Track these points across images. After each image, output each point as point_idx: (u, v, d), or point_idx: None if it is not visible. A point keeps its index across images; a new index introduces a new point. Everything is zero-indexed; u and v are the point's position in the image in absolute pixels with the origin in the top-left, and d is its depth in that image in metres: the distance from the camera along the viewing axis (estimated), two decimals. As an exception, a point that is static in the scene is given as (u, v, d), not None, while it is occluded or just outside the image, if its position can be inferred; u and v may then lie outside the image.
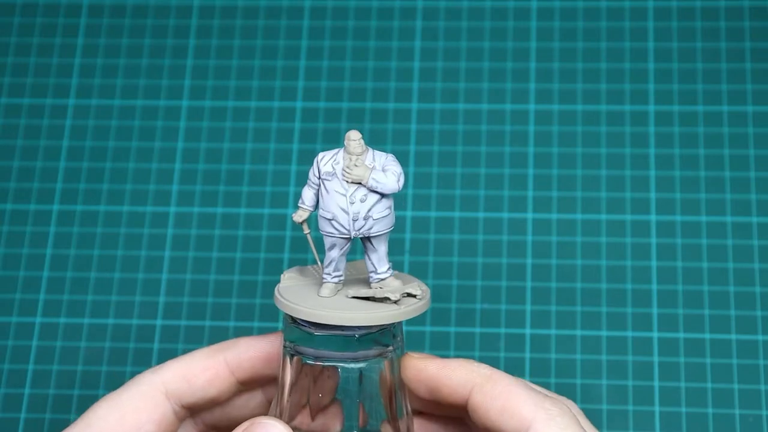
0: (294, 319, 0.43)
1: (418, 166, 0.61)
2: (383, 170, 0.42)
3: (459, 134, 0.61)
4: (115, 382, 0.57)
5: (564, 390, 0.56)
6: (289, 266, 0.59)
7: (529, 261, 0.59)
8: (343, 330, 0.42)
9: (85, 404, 0.57)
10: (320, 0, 0.65)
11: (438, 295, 0.58)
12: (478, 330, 0.57)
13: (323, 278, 0.44)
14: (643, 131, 0.61)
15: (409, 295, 0.43)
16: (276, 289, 0.44)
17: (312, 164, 0.43)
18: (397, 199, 0.60)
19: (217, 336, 0.58)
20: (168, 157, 0.62)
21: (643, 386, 0.56)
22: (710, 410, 0.55)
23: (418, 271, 0.59)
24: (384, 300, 0.43)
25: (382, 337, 0.43)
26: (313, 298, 0.43)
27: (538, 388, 0.44)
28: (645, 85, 0.61)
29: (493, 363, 0.56)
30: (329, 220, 0.42)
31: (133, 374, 0.57)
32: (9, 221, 0.61)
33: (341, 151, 0.43)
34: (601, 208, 0.59)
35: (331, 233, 0.43)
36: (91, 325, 0.59)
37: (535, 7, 0.64)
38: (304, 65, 0.63)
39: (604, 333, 0.57)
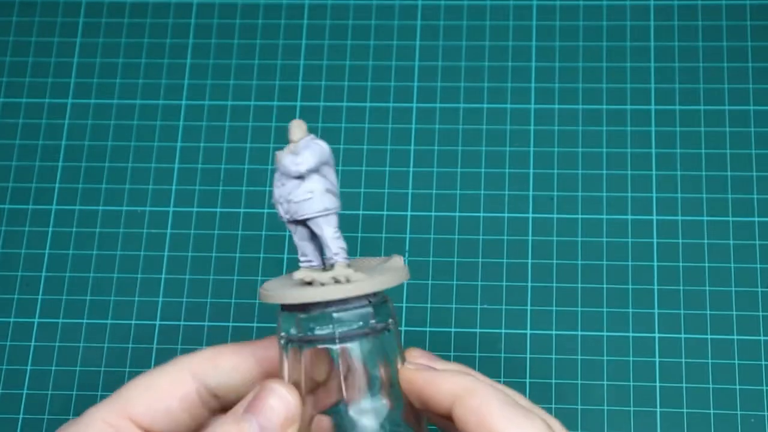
0: (282, 308, 0.44)
1: (418, 166, 0.61)
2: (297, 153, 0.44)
3: (459, 134, 0.61)
4: (114, 382, 0.57)
5: (565, 390, 0.56)
6: (289, 266, 0.59)
7: (529, 261, 0.59)
8: (324, 308, 0.43)
9: (84, 404, 0.57)
10: (320, -1, 0.65)
11: (438, 295, 0.58)
12: (478, 330, 0.57)
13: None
14: (644, 131, 0.61)
15: (334, 280, 0.44)
16: (262, 290, 0.45)
17: None
18: (398, 199, 0.60)
19: (217, 336, 0.58)
20: (167, 157, 0.62)
21: (644, 387, 0.56)
22: (712, 411, 0.55)
23: (418, 271, 0.58)
24: (311, 283, 0.44)
25: (361, 317, 0.44)
26: (290, 287, 0.44)
27: (523, 401, 0.45)
28: (646, 84, 0.61)
29: (493, 363, 0.56)
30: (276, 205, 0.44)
31: (132, 375, 0.57)
32: (7, 221, 0.61)
33: None
34: (603, 207, 0.59)
35: (281, 217, 0.44)
36: (90, 325, 0.58)
37: (535, 6, 0.64)
38: (304, 65, 0.63)
39: (605, 333, 0.57)
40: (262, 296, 0.44)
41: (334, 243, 0.44)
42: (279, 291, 0.43)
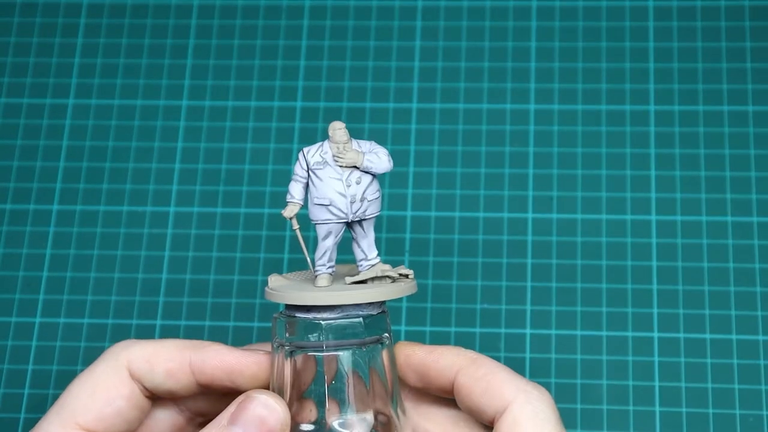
0: (293, 316, 0.43)
1: (418, 166, 0.61)
2: (372, 152, 0.44)
3: (459, 134, 0.61)
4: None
5: (564, 390, 0.56)
6: (289, 266, 0.59)
7: (529, 261, 0.59)
8: (348, 316, 0.43)
9: (84, 404, 0.57)
10: (320, 0, 0.65)
11: (438, 295, 0.58)
12: (478, 330, 0.57)
13: (316, 270, 0.45)
14: (643, 131, 0.61)
15: (401, 275, 0.45)
16: (266, 289, 0.45)
17: (296, 160, 0.44)
18: (398, 199, 0.60)
19: (217, 336, 0.58)
20: (167, 157, 0.62)
21: (643, 386, 0.56)
22: (711, 410, 0.55)
23: (418, 272, 0.59)
24: (384, 279, 0.44)
25: (379, 322, 0.44)
26: (311, 289, 0.44)
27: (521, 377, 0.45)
28: (645, 84, 0.61)
29: (494, 363, 0.56)
30: (326, 206, 0.43)
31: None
32: (8, 221, 0.61)
33: (325, 143, 0.44)
34: (602, 208, 0.59)
35: (328, 220, 0.44)
36: (91, 325, 0.58)
37: (535, 7, 0.64)
38: (304, 65, 0.63)
39: (604, 333, 0.57)
40: (304, 299, 0.43)
41: (374, 244, 0.45)
42: (364, 291, 0.43)
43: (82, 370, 0.45)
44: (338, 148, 0.44)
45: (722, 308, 0.57)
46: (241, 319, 0.58)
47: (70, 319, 0.59)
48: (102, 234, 0.60)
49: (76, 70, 0.64)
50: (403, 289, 0.44)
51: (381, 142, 0.61)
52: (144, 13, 0.65)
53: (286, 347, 0.43)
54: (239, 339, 0.58)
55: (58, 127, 0.63)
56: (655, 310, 0.57)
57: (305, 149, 0.44)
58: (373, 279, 0.44)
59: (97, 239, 0.60)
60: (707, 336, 0.57)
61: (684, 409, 0.55)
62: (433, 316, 0.58)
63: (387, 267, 0.45)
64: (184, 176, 0.61)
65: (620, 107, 0.61)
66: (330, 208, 0.43)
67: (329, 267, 0.45)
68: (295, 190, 0.45)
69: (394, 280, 0.45)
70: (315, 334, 0.43)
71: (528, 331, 0.57)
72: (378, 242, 0.59)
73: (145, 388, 0.45)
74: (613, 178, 0.60)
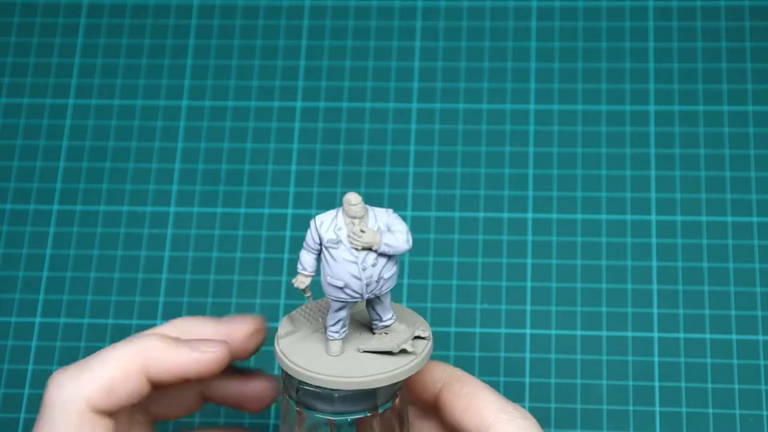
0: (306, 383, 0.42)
1: (418, 166, 0.61)
2: (389, 230, 0.41)
3: (459, 134, 0.61)
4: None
5: (564, 390, 0.56)
6: (289, 266, 0.59)
7: (529, 261, 0.59)
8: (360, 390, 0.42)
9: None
10: (320, 0, 0.65)
11: (438, 295, 0.58)
12: (478, 330, 0.57)
13: (329, 336, 0.43)
14: (643, 131, 0.61)
15: (417, 337, 0.43)
16: (278, 348, 0.43)
17: (309, 227, 0.42)
18: (397, 199, 0.60)
19: (217, 336, 0.58)
20: (168, 157, 0.62)
21: (643, 386, 0.56)
22: (711, 410, 0.55)
23: (418, 272, 0.59)
24: (400, 353, 0.42)
25: (393, 385, 0.43)
26: (323, 358, 0.42)
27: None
28: (645, 85, 0.61)
29: (493, 363, 0.56)
30: (341, 288, 0.41)
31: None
32: (8, 221, 0.61)
33: (339, 213, 0.41)
34: (602, 208, 0.59)
35: (343, 299, 0.41)
36: (91, 325, 0.58)
37: (535, 7, 0.64)
38: (304, 65, 0.63)
39: (604, 333, 0.57)
40: (316, 378, 0.41)
41: (390, 306, 0.43)
42: (378, 373, 0.41)
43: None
44: (354, 224, 0.41)
45: (722, 308, 0.57)
46: (241, 319, 0.58)
47: (70, 319, 0.59)
48: (102, 234, 0.60)
49: (77, 70, 0.64)
50: (420, 362, 0.42)
51: (381, 142, 0.61)
52: (144, 13, 0.65)
53: (294, 401, 0.43)
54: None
55: (59, 127, 0.63)
56: (655, 310, 0.57)
57: (318, 219, 0.41)
58: (392, 352, 0.42)
59: (97, 239, 0.60)
60: (707, 336, 0.57)
61: (684, 409, 0.55)
62: (433, 316, 0.58)
63: (402, 335, 0.43)
64: (184, 176, 0.61)
65: (620, 107, 0.61)
66: (345, 289, 0.41)
67: (342, 333, 0.43)
68: (307, 262, 0.42)
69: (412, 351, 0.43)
70: (324, 401, 0.42)
71: (528, 331, 0.57)
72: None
73: (103, 414, 0.44)
74: (613, 178, 0.60)
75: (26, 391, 0.57)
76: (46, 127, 0.63)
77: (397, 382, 0.43)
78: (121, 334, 0.58)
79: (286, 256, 0.59)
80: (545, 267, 0.58)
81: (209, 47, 0.64)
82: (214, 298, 0.59)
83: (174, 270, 0.59)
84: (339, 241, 0.41)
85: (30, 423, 0.57)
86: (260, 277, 0.59)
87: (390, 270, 0.41)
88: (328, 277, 0.41)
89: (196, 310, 0.58)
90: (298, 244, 0.59)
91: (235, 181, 0.61)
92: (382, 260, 0.41)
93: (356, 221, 0.41)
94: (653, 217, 0.59)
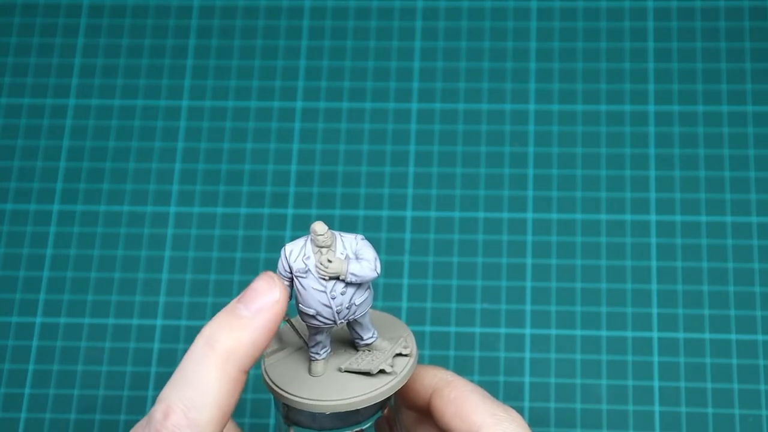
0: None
1: (418, 166, 0.61)
2: (356, 258, 0.41)
3: (459, 134, 0.61)
4: (115, 381, 0.57)
5: (564, 390, 0.56)
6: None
7: (529, 261, 0.59)
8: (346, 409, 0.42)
9: (85, 404, 0.57)
10: (320, 0, 0.65)
11: (438, 295, 0.58)
12: (478, 330, 0.57)
13: (311, 356, 0.43)
14: (643, 131, 0.61)
15: (399, 354, 0.43)
16: (264, 368, 0.43)
17: (280, 255, 0.42)
18: (398, 199, 0.60)
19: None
20: (168, 157, 0.62)
21: (642, 386, 0.56)
22: (710, 410, 0.55)
23: (418, 272, 0.59)
24: (379, 374, 0.42)
25: (379, 403, 0.43)
26: (305, 379, 0.43)
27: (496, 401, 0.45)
28: (645, 85, 0.61)
29: (493, 363, 0.56)
30: (312, 315, 0.41)
31: (133, 375, 0.57)
32: (9, 221, 0.61)
33: (308, 241, 0.41)
34: (601, 208, 0.59)
35: (316, 325, 0.42)
36: (91, 325, 0.59)
37: (534, 7, 0.64)
38: (304, 65, 0.63)
39: (603, 333, 0.57)
40: (300, 402, 0.42)
41: (370, 325, 0.43)
42: (357, 395, 0.42)
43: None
44: (321, 254, 0.41)
45: (721, 308, 0.57)
46: (241, 319, 0.58)
47: (71, 319, 0.59)
48: (102, 234, 0.60)
49: (77, 70, 0.64)
50: (400, 381, 0.42)
51: (381, 142, 0.61)
52: (144, 13, 0.65)
53: (283, 416, 0.43)
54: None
55: (59, 127, 0.63)
56: (655, 310, 0.57)
57: (288, 248, 0.41)
58: (371, 373, 0.43)
59: (98, 239, 0.60)
60: (706, 336, 0.57)
61: (683, 409, 0.55)
62: (433, 316, 0.58)
63: (382, 356, 0.43)
64: (184, 176, 0.61)
65: (620, 107, 0.61)
66: (317, 317, 0.41)
67: (324, 353, 0.43)
68: None
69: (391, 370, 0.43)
70: (309, 419, 0.43)
71: (528, 331, 0.57)
72: (378, 242, 0.59)
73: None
74: (612, 178, 0.60)
75: (26, 391, 0.57)
76: (47, 127, 0.63)
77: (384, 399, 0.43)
78: (121, 334, 0.58)
79: (286, 256, 0.59)
80: (545, 267, 0.59)
81: (209, 47, 0.64)
82: (214, 298, 0.59)
83: (174, 270, 0.59)
84: (308, 271, 0.41)
85: (31, 423, 0.57)
86: (260, 277, 0.59)
87: (361, 296, 0.42)
88: (300, 305, 0.41)
89: (196, 310, 0.58)
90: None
91: (235, 181, 0.61)
92: (351, 288, 0.41)
93: (324, 250, 0.41)
94: (653, 217, 0.59)
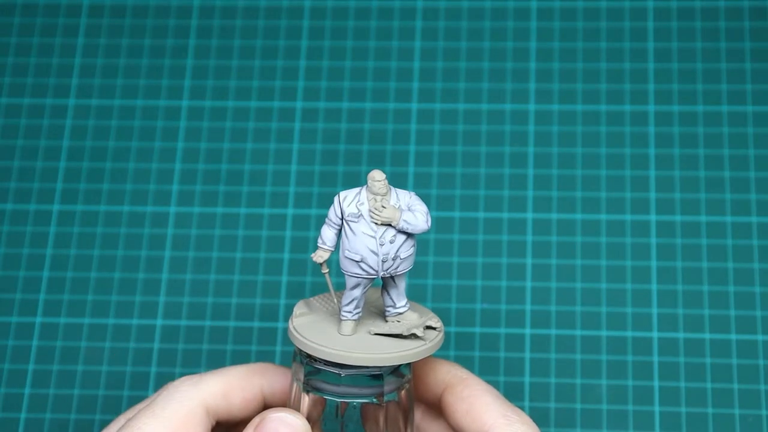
0: (314, 359, 0.43)
1: (418, 166, 0.61)
2: (410, 210, 0.42)
3: (459, 134, 0.61)
4: (116, 381, 0.57)
5: (564, 390, 0.56)
6: (289, 267, 0.59)
7: (529, 261, 0.59)
8: (369, 368, 0.42)
9: (85, 404, 0.57)
10: (320, 0, 0.65)
11: (438, 295, 0.58)
12: (478, 330, 0.58)
13: (342, 316, 0.44)
14: (642, 131, 0.61)
15: (428, 327, 0.44)
16: (292, 326, 0.44)
17: (332, 203, 0.43)
18: (397, 199, 0.60)
19: (217, 337, 0.58)
20: (168, 157, 0.62)
21: (642, 386, 0.56)
22: (710, 410, 0.55)
23: (418, 271, 0.59)
24: (410, 336, 0.43)
25: (400, 371, 0.43)
26: (334, 336, 0.43)
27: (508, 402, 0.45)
28: (645, 85, 0.61)
29: (493, 363, 0.56)
30: (357, 261, 0.42)
31: (133, 375, 0.57)
32: (9, 221, 0.61)
33: (363, 190, 0.42)
34: (601, 208, 0.59)
35: (358, 274, 0.42)
36: (91, 325, 0.59)
37: (534, 8, 0.64)
38: (304, 65, 0.63)
39: (603, 333, 0.57)
40: (326, 353, 0.42)
41: (404, 293, 0.44)
42: (385, 352, 0.42)
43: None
44: (376, 200, 0.42)
45: (721, 308, 0.57)
46: (241, 319, 0.58)
47: (71, 319, 0.59)
48: (102, 234, 0.60)
49: (77, 70, 0.64)
50: (429, 348, 0.43)
51: (381, 142, 0.61)
52: (144, 13, 0.65)
53: (303, 383, 0.43)
54: (240, 339, 0.58)
55: (59, 127, 0.63)
56: (655, 310, 0.57)
57: (342, 195, 0.43)
58: (402, 335, 0.43)
59: (98, 239, 0.60)
60: (706, 336, 0.57)
61: (683, 409, 0.55)
62: (433, 316, 0.58)
63: (415, 322, 0.44)
64: (184, 176, 0.61)
65: (620, 107, 0.61)
66: (361, 264, 0.42)
67: (355, 314, 0.44)
68: (327, 236, 0.43)
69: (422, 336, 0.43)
70: (332, 382, 0.43)
71: (528, 331, 0.57)
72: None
73: (217, 423, 0.45)
74: (612, 178, 0.60)
75: (26, 391, 0.57)
76: (47, 127, 0.63)
77: (405, 375, 0.43)
78: (121, 334, 0.58)
79: (286, 256, 0.59)
80: (545, 267, 0.59)
81: (209, 48, 0.64)
82: (214, 298, 0.59)
83: (174, 270, 0.59)
84: (360, 215, 0.42)
85: (31, 423, 0.57)
86: (260, 277, 0.59)
87: (407, 250, 0.42)
88: (346, 251, 0.42)
89: (196, 310, 0.58)
90: (298, 244, 0.60)
91: (235, 181, 0.61)
92: (401, 238, 0.42)
93: (378, 198, 0.42)
94: (653, 217, 0.59)
